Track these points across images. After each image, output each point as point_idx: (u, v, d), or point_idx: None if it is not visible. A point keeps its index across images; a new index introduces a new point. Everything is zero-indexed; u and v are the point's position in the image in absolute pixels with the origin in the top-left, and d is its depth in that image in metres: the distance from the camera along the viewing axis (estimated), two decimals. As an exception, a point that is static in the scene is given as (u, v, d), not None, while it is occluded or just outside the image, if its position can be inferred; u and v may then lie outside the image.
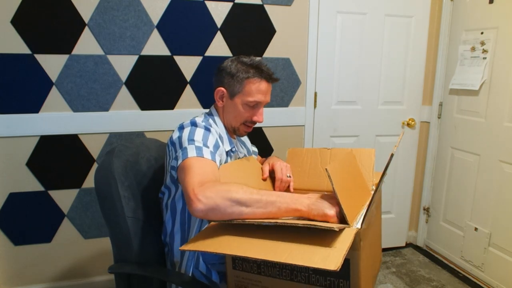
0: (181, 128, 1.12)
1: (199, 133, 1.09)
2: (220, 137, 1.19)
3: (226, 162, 1.20)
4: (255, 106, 1.19)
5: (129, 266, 1.15)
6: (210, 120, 1.22)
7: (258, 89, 1.17)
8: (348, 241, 0.77)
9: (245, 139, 1.49)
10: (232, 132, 1.26)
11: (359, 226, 0.84)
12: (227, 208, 0.86)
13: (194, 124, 1.12)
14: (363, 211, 0.95)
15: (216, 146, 1.09)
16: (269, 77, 1.19)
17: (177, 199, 1.16)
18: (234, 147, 1.25)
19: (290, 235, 0.83)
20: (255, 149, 1.56)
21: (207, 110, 1.30)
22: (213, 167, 1.00)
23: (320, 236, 0.80)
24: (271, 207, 0.87)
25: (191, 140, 1.06)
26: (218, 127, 1.22)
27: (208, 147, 1.05)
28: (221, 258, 1.19)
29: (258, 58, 1.22)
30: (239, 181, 0.99)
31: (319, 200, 0.89)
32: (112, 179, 1.13)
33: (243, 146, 1.42)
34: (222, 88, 1.19)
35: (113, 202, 1.12)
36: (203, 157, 1.00)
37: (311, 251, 0.76)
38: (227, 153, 1.22)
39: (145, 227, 1.19)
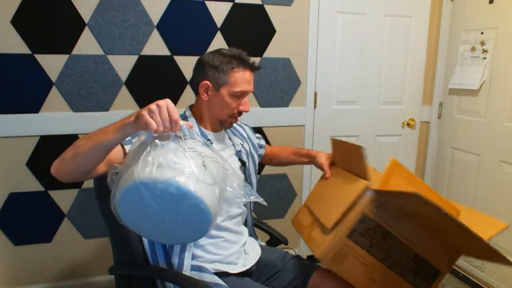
0: None
1: None
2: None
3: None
4: (241, 96, 1.20)
5: (129, 267, 1.14)
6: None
7: (243, 78, 1.18)
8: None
9: (249, 131, 1.46)
10: (219, 125, 1.25)
11: None
12: (65, 156, 0.94)
13: None
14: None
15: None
16: (252, 66, 1.21)
17: None
18: (209, 140, 1.23)
19: None
20: (262, 142, 1.54)
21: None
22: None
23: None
24: (100, 133, 0.90)
25: None
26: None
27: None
28: (223, 259, 1.19)
29: (238, 49, 1.22)
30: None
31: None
32: (102, 188, 1.12)
33: (243, 139, 1.40)
34: (207, 81, 1.19)
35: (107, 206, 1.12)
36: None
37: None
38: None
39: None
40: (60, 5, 1.81)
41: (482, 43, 2.14)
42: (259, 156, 1.51)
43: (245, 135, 1.43)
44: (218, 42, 2.05)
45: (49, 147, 1.91)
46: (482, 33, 2.14)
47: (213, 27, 2.04)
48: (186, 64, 2.04)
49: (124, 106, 1.99)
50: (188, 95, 2.08)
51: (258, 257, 1.30)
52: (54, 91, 1.88)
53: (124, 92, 1.97)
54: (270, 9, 2.11)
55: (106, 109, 1.96)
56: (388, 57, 2.36)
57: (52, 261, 2.03)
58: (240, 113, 1.23)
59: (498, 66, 2.05)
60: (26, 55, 1.81)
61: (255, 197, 0.97)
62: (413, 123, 2.48)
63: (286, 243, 1.47)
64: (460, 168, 2.36)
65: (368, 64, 2.34)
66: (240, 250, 1.26)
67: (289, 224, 1.38)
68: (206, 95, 1.21)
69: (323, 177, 1.33)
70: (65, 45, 1.85)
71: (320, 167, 1.35)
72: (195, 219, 0.81)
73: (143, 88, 2.00)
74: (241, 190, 0.93)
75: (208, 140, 1.23)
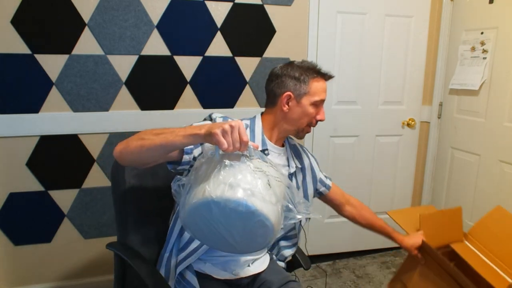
0: None
1: (201, 122, 1.12)
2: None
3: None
4: (319, 104, 1.24)
5: (120, 247, 1.22)
6: (245, 122, 1.24)
7: (322, 87, 1.23)
8: None
9: (314, 163, 1.40)
10: (295, 135, 1.28)
11: None
12: (130, 144, 0.97)
13: (210, 118, 1.19)
14: None
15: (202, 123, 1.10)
16: (328, 76, 1.26)
17: None
18: (267, 149, 1.22)
19: None
20: (329, 182, 1.44)
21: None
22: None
23: None
24: (169, 134, 0.91)
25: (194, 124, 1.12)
26: (246, 129, 1.18)
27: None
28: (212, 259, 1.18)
29: (310, 61, 1.28)
30: None
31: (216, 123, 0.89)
32: (120, 167, 1.23)
33: (302, 167, 1.34)
34: (289, 92, 1.21)
35: (118, 188, 1.23)
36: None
37: None
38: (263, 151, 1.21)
39: (149, 215, 1.26)
40: (60, 5, 1.81)
41: (482, 43, 2.14)
42: (317, 192, 1.43)
43: (306, 163, 1.37)
44: (218, 42, 2.05)
45: (49, 147, 1.91)
46: (482, 33, 2.14)
47: (213, 27, 2.04)
48: (186, 64, 2.04)
49: (124, 106, 1.99)
50: (188, 95, 2.08)
51: (258, 271, 1.24)
52: (54, 91, 1.88)
53: (124, 92, 1.97)
54: (270, 9, 2.11)
55: (106, 109, 1.96)
56: (388, 57, 2.36)
57: (52, 261, 2.03)
58: (317, 122, 1.25)
59: (498, 66, 2.05)
60: (26, 55, 1.81)
61: (313, 214, 0.97)
62: (413, 123, 2.48)
63: (307, 267, 1.39)
64: (460, 168, 2.36)
65: (368, 64, 2.34)
66: (243, 262, 1.21)
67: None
68: (287, 106, 1.22)
69: (417, 259, 1.39)
70: (65, 45, 1.85)
71: (409, 250, 1.41)
72: (259, 234, 0.88)
73: (143, 88, 2.00)
74: (302, 207, 0.96)
75: (266, 150, 1.23)
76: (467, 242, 1.34)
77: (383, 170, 2.51)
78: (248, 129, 1.24)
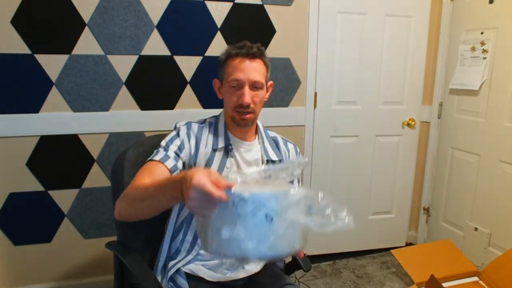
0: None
1: (168, 137, 1.15)
2: (202, 137, 1.16)
3: (222, 160, 1.15)
4: (237, 86, 1.11)
5: (117, 246, 1.22)
6: (209, 120, 1.22)
7: (236, 67, 1.11)
8: None
9: (292, 149, 1.30)
10: (235, 124, 1.16)
11: None
12: (122, 206, 1.00)
13: (174, 128, 1.18)
14: None
15: (180, 148, 1.12)
16: (246, 53, 1.12)
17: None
18: (230, 144, 1.17)
19: None
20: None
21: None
22: (153, 167, 1.06)
23: None
24: (153, 196, 0.89)
25: (162, 143, 1.13)
26: (210, 127, 1.19)
27: (166, 150, 1.10)
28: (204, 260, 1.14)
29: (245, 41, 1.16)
30: None
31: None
32: (119, 167, 1.22)
33: (280, 160, 1.23)
34: (216, 79, 1.19)
35: (117, 185, 1.22)
36: (152, 160, 1.08)
37: None
38: (218, 149, 1.15)
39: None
40: (60, 5, 1.81)
41: (482, 43, 2.14)
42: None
43: (285, 154, 1.27)
44: (218, 42, 2.05)
45: (49, 147, 1.91)
46: (482, 33, 2.14)
47: (213, 27, 2.04)
48: (186, 64, 2.04)
49: (124, 106, 1.99)
50: (188, 95, 2.08)
51: (252, 273, 1.19)
52: (54, 91, 1.88)
53: (124, 92, 1.97)
54: (270, 9, 2.11)
55: (106, 109, 1.96)
56: (388, 57, 2.36)
57: (52, 261, 2.03)
58: (241, 105, 1.11)
59: (498, 66, 2.05)
60: (26, 55, 1.81)
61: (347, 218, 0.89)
62: (413, 123, 2.48)
63: (307, 269, 1.32)
64: (460, 168, 2.36)
65: (368, 64, 2.34)
66: (237, 263, 1.16)
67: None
68: (220, 93, 1.20)
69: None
70: (65, 45, 1.85)
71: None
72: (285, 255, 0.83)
73: (143, 88, 2.00)
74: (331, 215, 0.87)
75: (229, 145, 1.16)
76: (481, 282, 1.34)
77: (383, 170, 2.51)
78: (212, 126, 1.20)
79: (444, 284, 1.25)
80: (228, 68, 1.13)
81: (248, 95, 1.10)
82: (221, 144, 1.17)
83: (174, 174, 1.07)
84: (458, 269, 1.37)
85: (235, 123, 1.15)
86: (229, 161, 1.16)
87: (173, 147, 1.11)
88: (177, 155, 1.10)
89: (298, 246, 0.78)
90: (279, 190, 0.77)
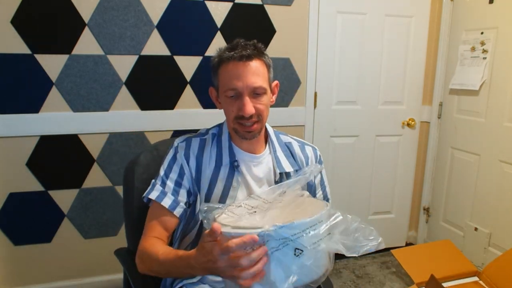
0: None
1: (166, 161, 1.03)
2: (204, 154, 1.04)
3: (228, 178, 1.03)
4: (235, 96, 0.96)
5: (125, 255, 1.20)
6: (212, 131, 1.09)
7: (231, 74, 0.94)
8: None
9: (310, 154, 1.14)
10: (238, 136, 1.03)
11: None
12: (144, 269, 0.96)
13: (172, 146, 1.05)
14: None
15: (181, 175, 1.01)
16: (240, 56, 0.95)
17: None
18: (235, 161, 1.04)
19: None
20: (328, 193, 1.18)
21: None
22: (163, 217, 0.99)
23: None
24: (168, 266, 0.88)
25: (161, 170, 1.03)
26: (212, 140, 1.07)
27: (165, 183, 1.00)
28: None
29: (237, 40, 1.02)
30: None
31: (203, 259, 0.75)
32: (130, 172, 1.19)
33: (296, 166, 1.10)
34: (212, 88, 1.05)
35: (127, 192, 1.20)
36: (160, 203, 0.99)
37: None
38: (223, 166, 1.04)
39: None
40: (60, 5, 1.81)
41: (482, 43, 2.14)
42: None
43: (301, 162, 1.12)
44: (218, 42, 2.05)
45: (49, 147, 1.91)
46: (482, 33, 2.14)
47: (213, 27, 2.04)
48: (186, 64, 2.04)
49: (124, 106, 1.99)
50: (188, 95, 2.08)
51: None
52: (54, 91, 1.88)
53: (124, 92, 1.97)
54: (270, 9, 2.11)
55: (106, 109, 1.96)
56: (388, 57, 2.36)
57: (52, 261, 2.03)
58: (243, 117, 0.97)
59: (498, 66, 2.05)
60: (26, 55, 1.81)
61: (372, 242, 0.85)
62: (413, 123, 2.48)
63: None
64: (460, 168, 2.36)
65: (368, 64, 2.34)
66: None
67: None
68: (219, 103, 1.03)
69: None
70: (65, 45, 1.85)
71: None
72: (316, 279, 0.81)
73: (143, 88, 2.00)
74: (361, 237, 0.85)
75: (235, 161, 1.03)
76: (481, 282, 1.34)
77: (383, 170, 2.51)
78: (215, 139, 1.06)
79: (444, 284, 1.25)
80: (222, 75, 0.97)
81: (249, 105, 0.95)
82: (225, 160, 1.03)
83: (182, 211, 1.01)
84: (458, 269, 1.37)
85: (239, 136, 1.02)
86: (236, 179, 1.03)
87: (173, 176, 1.01)
88: (179, 184, 1.00)
89: (327, 268, 0.78)
90: (305, 224, 0.73)
